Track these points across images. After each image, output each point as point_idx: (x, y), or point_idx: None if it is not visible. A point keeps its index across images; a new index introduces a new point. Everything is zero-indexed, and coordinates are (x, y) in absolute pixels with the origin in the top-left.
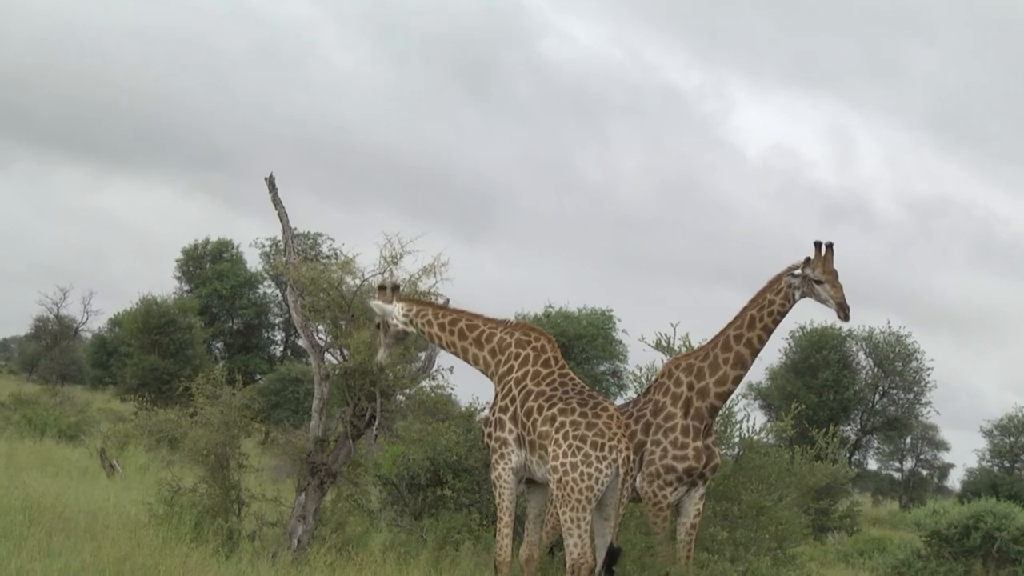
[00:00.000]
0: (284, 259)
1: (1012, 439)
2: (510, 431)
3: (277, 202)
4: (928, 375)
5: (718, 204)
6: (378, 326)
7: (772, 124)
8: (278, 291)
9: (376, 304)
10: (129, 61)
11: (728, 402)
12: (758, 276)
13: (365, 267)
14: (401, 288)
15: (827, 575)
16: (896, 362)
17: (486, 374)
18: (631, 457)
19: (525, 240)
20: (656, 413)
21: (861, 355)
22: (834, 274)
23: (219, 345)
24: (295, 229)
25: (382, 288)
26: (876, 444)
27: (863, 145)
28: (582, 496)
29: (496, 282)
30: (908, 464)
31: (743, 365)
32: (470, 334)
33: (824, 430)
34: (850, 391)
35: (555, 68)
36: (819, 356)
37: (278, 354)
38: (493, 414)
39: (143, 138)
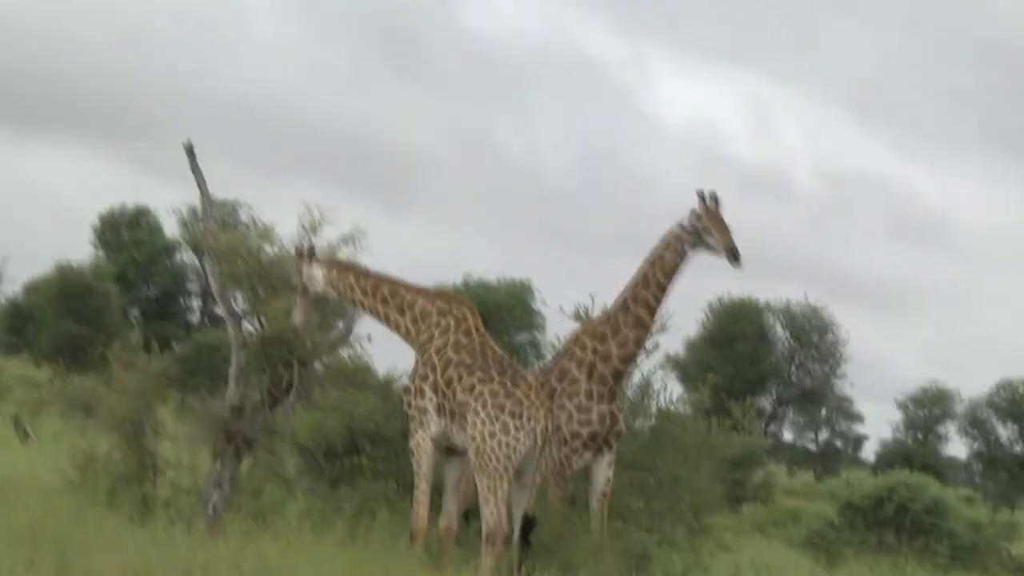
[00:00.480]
0: (202, 227)
1: (926, 411)
2: (430, 399)
3: (196, 169)
4: (844, 347)
5: (638, 176)
6: (296, 289)
7: (692, 96)
8: (196, 259)
9: (300, 270)
10: (47, 25)
11: (644, 374)
12: None
13: (284, 236)
14: (317, 252)
15: (742, 545)
16: (812, 334)
17: (407, 341)
18: (549, 427)
19: (445, 210)
20: (561, 379)
21: (778, 327)
22: (719, 219)
23: (136, 312)
24: (214, 197)
25: (299, 253)
26: (791, 415)
27: (782, 118)
28: (499, 464)
29: (416, 252)
30: (823, 435)
31: (643, 326)
32: (392, 300)
33: (740, 401)
34: (766, 363)
35: (476, 38)
36: (736, 328)
37: (195, 321)
38: (413, 382)
39: (61, 103)
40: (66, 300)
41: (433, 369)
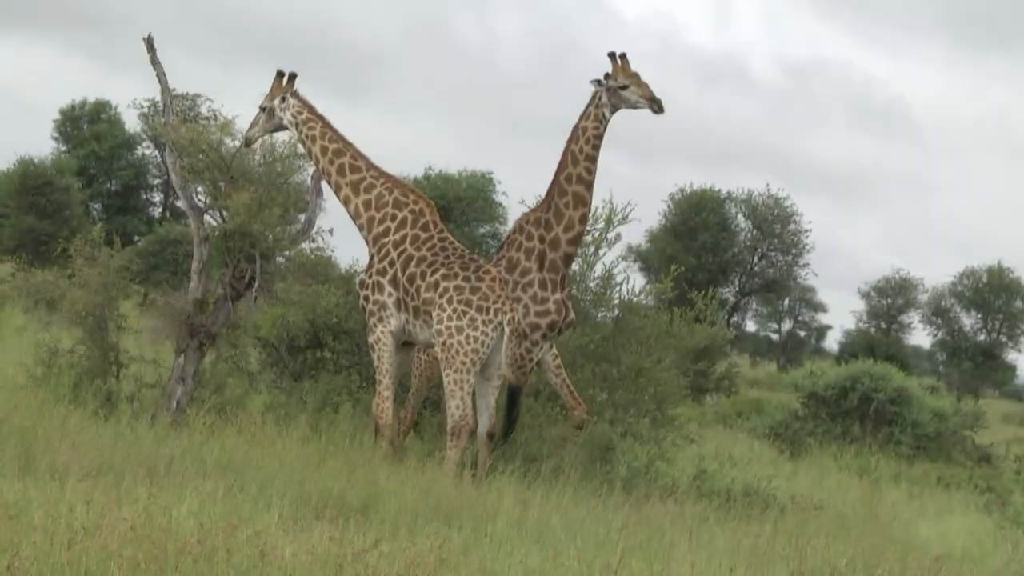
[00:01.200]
0: (163, 120)
1: (889, 301)
2: (389, 294)
3: (156, 63)
4: (806, 237)
5: (598, 67)
6: (263, 109)
7: None
8: (157, 152)
9: (274, 92)
10: None
11: (607, 265)
12: (637, 136)
13: (244, 128)
14: (296, 82)
15: (705, 437)
16: (775, 224)
17: (354, 221)
18: (516, 318)
19: (405, 102)
20: (511, 270)
21: (740, 217)
22: (635, 76)
23: (97, 207)
24: (174, 90)
25: (279, 74)
26: (754, 306)
27: (740, 7)
28: (467, 359)
29: (376, 144)
30: (786, 326)
31: (584, 202)
32: (350, 174)
33: (703, 292)
34: (729, 253)
35: None
36: (698, 219)
37: (157, 216)
38: (370, 277)
39: None
40: (27, 195)
41: (392, 264)
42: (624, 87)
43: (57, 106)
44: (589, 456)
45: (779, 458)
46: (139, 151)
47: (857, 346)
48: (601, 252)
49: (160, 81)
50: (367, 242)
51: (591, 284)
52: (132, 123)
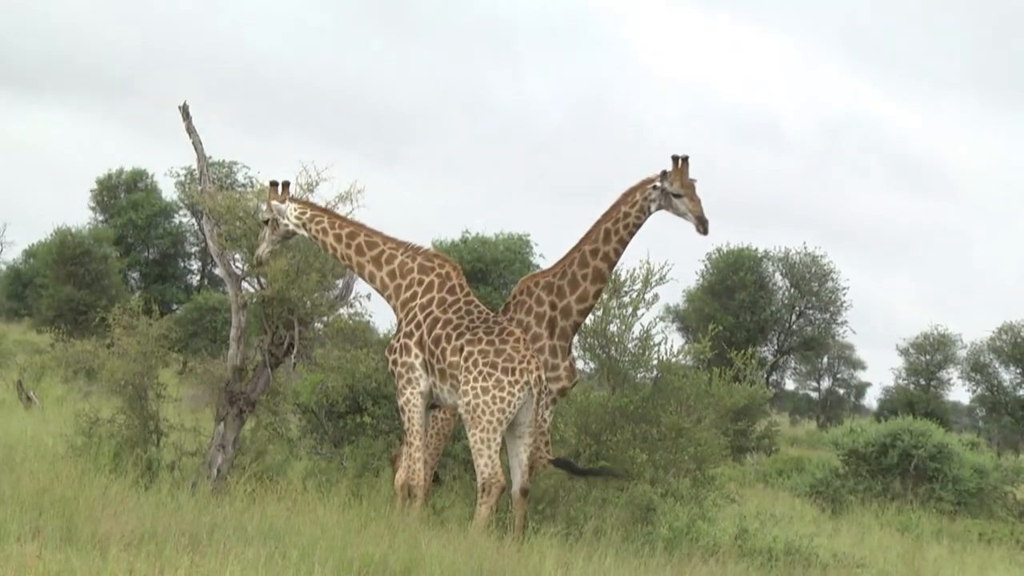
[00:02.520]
0: (200, 188)
1: (928, 357)
2: (416, 356)
3: (191, 130)
4: (844, 295)
5: (630, 125)
6: (266, 222)
7: (683, 44)
8: (194, 220)
9: (270, 204)
10: None
11: (645, 326)
12: None
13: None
14: (292, 188)
15: (746, 496)
16: (812, 282)
17: (382, 294)
18: (542, 377)
19: (440, 166)
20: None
21: (777, 276)
22: (692, 187)
23: (135, 275)
24: (210, 158)
25: (273, 184)
26: (793, 364)
27: (771, 64)
28: (492, 418)
29: (413, 208)
30: (825, 384)
31: (602, 279)
32: (369, 251)
33: (741, 351)
34: (767, 312)
35: None
36: (736, 277)
37: (195, 283)
38: (398, 340)
39: (54, 66)
40: (66, 265)
41: (419, 326)
42: (679, 195)
43: (94, 175)
44: (630, 517)
45: (820, 516)
46: (176, 219)
47: (896, 403)
48: (639, 313)
49: (196, 149)
50: (395, 310)
51: (629, 345)
52: (169, 191)
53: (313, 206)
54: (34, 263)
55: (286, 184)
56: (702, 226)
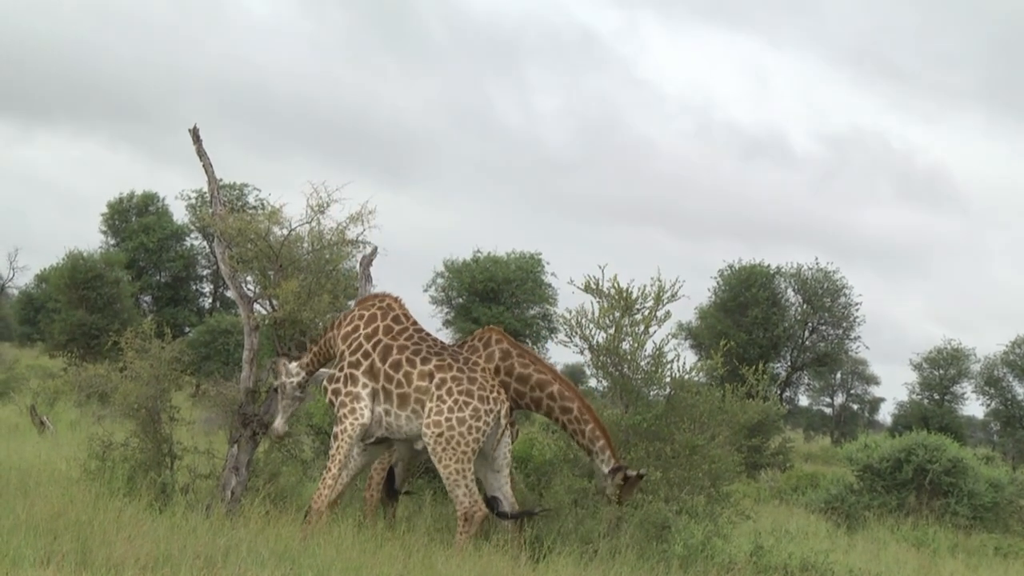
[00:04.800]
0: (210, 210)
1: (941, 372)
2: (364, 385)
3: (202, 153)
4: (856, 310)
5: (639, 143)
6: (275, 390)
7: (688, 62)
8: (205, 243)
9: (280, 373)
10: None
11: (657, 343)
12: (682, 212)
13: (292, 216)
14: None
15: (761, 512)
16: (825, 298)
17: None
18: (510, 408)
19: (450, 185)
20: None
21: (790, 292)
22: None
23: (147, 299)
24: (220, 180)
25: (273, 363)
26: (807, 380)
27: (776, 80)
28: (468, 448)
29: (423, 228)
30: (839, 399)
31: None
32: (326, 349)
33: (754, 367)
34: (779, 328)
35: (471, 13)
36: (748, 294)
37: (207, 306)
38: (341, 370)
39: (63, 91)
40: (77, 289)
41: (367, 356)
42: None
43: (105, 199)
44: (645, 535)
45: (835, 532)
46: (187, 242)
47: (910, 418)
48: (651, 330)
49: (207, 172)
50: (333, 345)
51: (642, 363)
52: (180, 214)
53: (296, 356)
54: (46, 288)
55: (289, 351)
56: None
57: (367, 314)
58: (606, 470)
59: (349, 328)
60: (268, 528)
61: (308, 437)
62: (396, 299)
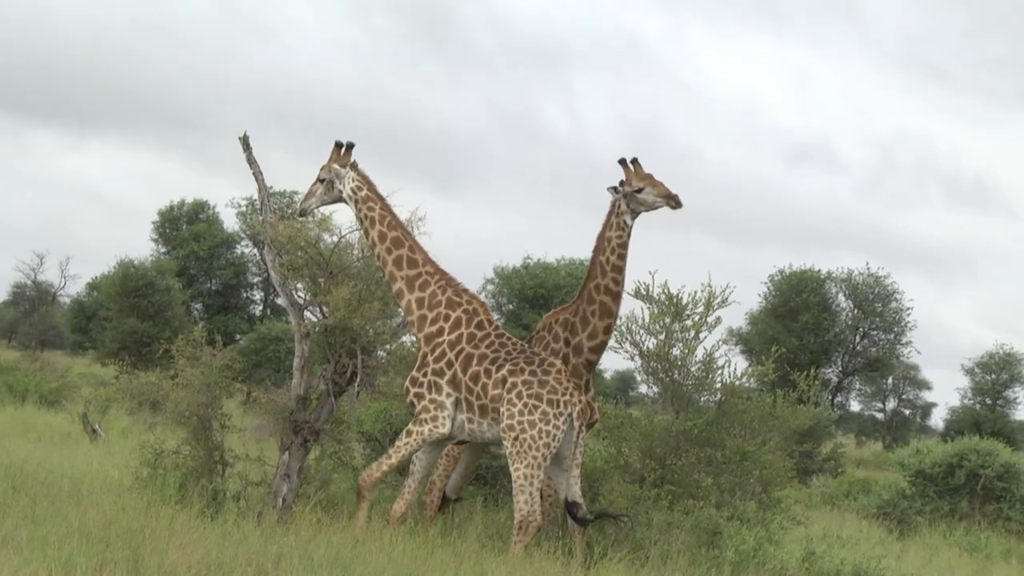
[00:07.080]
0: (261, 218)
1: (993, 376)
2: (448, 395)
3: (252, 161)
4: (908, 315)
5: (686, 149)
6: (321, 180)
7: (734, 67)
8: (256, 250)
9: (330, 164)
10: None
11: (708, 349)
12: (730, 218)
13: (342, 224)
14: (354, 153)
15: (813, 518)
16: (876, 303)
17: (402, 311)
18: (585, 409)
19: (497, 192)
20: None
21: (841, 297)
22: (649, 177)
23: (198, 306)
24: (271, 188)
25: (337, 145)
26: (858, 385)
27: (823, 84)
28: (539, 453)
29: (471, 235)
30: (891, 404)
31: (609, 313)
32: (407, 268)
33: (805, 373)
34: (831, 333)
35: (515, 18)
36: (799, 299)
37: (258, 313)
38: (425, 375)
39: (113, 100)
40: (129, 297)
41: (450, 365)
42: (639, 190)
43: (156, 208)
44: (696, 541)
45: (888, 537)
46: (238, 250)
47: (963, 423)
48: (702, 336)
49: (257, 179)
50: (417, 338)
51: (693, 368)
52: (230, 222)
53: (371, 186)
54: (97, 296)
55: (351, 146)
56: (672, 202)
57: (453, 316)
58: None
59: (433, 330)
60: (319, 535)
61: (359, 444)
62: (481, 303)
